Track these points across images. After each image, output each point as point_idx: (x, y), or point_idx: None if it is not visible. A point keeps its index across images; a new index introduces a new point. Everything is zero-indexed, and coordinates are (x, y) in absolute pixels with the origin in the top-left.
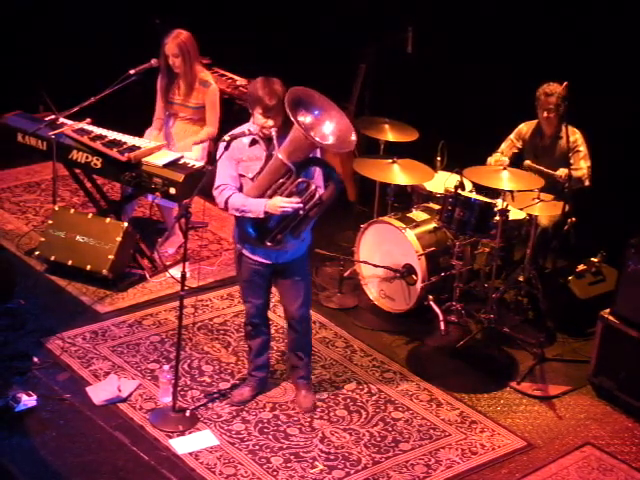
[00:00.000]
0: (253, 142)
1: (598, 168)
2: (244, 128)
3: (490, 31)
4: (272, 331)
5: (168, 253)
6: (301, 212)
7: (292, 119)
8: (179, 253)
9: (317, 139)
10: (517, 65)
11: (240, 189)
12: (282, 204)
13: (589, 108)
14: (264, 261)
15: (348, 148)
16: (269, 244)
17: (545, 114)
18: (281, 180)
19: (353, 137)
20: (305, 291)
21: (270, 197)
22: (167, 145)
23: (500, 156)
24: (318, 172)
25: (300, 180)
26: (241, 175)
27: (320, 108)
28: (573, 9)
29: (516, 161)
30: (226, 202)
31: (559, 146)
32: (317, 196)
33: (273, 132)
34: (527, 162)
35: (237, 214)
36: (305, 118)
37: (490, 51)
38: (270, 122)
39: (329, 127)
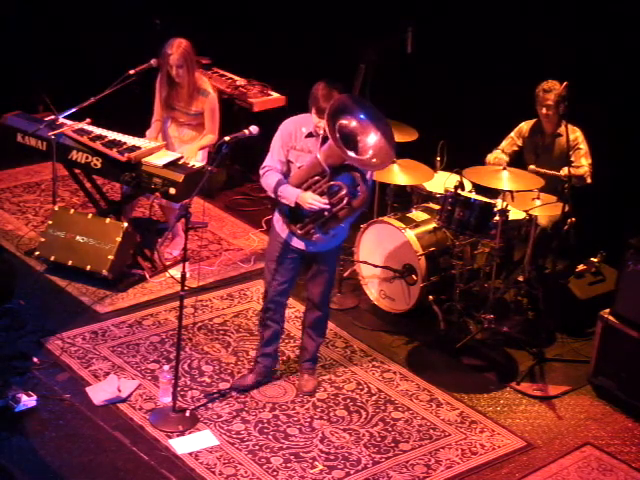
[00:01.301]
0: (310, 135)
1: (598, 168)
2: (300, 118)
3: (490, 31)
4: None
5: (172, 255)
6: (326, 213)
7: (327, 128)
8: (180, 254)
9: (349, 152)
10: (517, 65)
11: (287, 174)
12: (311, 200)
13: (589, 107)
14: (295, 245)
15: (371, 168)
16: (299, 232)
17: (544, 111)
18: (317, 177)
19: (375, 160)
20: (330, 280)
21: (305, 190)
22: (166, 146)
23: (499, 153)
24: (359, 179)
25: (333, 183)
26: (290, 162)
27: (366, 114)
28: (573, 8)
29: (516, 159)
30: (266, 184)
31: (559, 144)
32: (345, 201)
33: (321, 132)
34: (531, 167)
35: (274, 197)
36: (350, 122)
37: (490, 51)
38: (322, 123)
39: (373, 139)
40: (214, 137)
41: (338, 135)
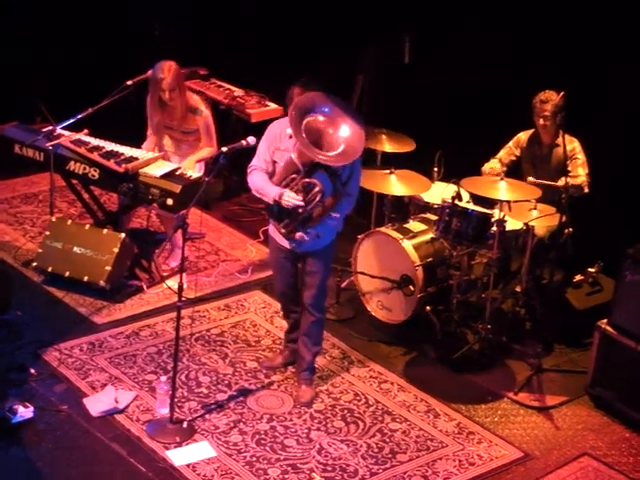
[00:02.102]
0: (292, 135)
1: (595, 178)
2: (286, 119)
3: (486, 40)
4: (269, 342)
5: (170, 267)
6: (300, 210)
7: (291, 126)
8: (178, 265)
9: (314, 150)
10: (515, 75)
11: (274, 174)
12: (286, 198)
13: (587, 118)
14: (285, 245)
15: (336, 163)
16: (282, 231)
17: (541, 122)
18: (294, 175)
19: (339, 158)
20: (320, 283)
21: (284, 188)
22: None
23: (495, 163)
24: (332, 178)
25: (307, 181)
26: (275, 162)
27: (331, 108)
28: (571, 18)
29: (514, 168)
30: (251, 182)
31: (556, 154)
32: (318, 198)
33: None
34: (530, 179)
35: (257, 195)
36: (316, 118)
37: (488, 61)
38: None
39: (344, 132)
40: (213, 150)
41: (304, 134)
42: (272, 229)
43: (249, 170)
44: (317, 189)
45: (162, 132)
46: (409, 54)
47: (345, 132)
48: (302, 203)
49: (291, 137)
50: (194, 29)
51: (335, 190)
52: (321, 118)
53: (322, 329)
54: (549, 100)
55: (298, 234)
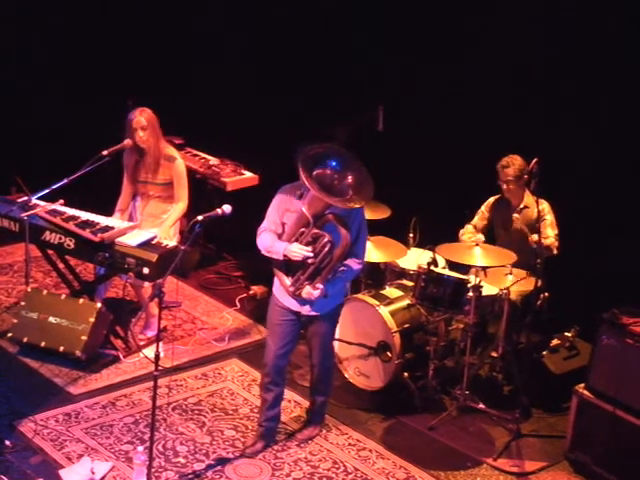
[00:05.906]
0: (301, 196)
1: (569, 243)
2: (296, 183)
3: (460, 107)
4: (247, 410)
5: (147, 336)
6: (309, 261)
7: (303, 179)
8: (154, 334)
9: (330, 196)
10: (489, 141)
11: (282, 236)
12: (296, 250)
13: (560, 182)
14: (292, 308)
15: (353, 205)
16: (291, 289)
17: (504, 186)
18: (302, 229)
19: (355, 198)
20: (328, 345)
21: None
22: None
23: (471, 229)
24: (340, 227)
25: (316, 231)
26: (284, 223)
27: (337, 160)
28: (539, 84)
29: (488, 232)
30: (260, 243)
31: (526, 217)
32: (327, 249)
33: (304, 189)
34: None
35: (267, 255)
36: (325, 170)
37: (461, 129)
38: None
39: (350, 179)
40: (184, 205)
41: (317, 185)
42: (277, 288)
43: (258, 232)
44: (326, 239)
45: (136, 186)
46: (383, 122)
47: (351, 179)
48: (311, 254)
49: (301, 198)
50: (168, 99)
51: (349, 239)
52: (329, 171)
53: (328, 381)
54: (510, 165)
55: (306, 291)
